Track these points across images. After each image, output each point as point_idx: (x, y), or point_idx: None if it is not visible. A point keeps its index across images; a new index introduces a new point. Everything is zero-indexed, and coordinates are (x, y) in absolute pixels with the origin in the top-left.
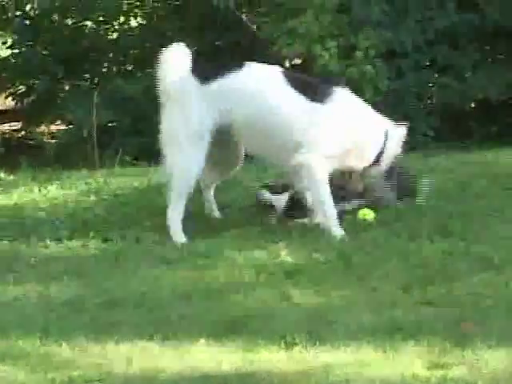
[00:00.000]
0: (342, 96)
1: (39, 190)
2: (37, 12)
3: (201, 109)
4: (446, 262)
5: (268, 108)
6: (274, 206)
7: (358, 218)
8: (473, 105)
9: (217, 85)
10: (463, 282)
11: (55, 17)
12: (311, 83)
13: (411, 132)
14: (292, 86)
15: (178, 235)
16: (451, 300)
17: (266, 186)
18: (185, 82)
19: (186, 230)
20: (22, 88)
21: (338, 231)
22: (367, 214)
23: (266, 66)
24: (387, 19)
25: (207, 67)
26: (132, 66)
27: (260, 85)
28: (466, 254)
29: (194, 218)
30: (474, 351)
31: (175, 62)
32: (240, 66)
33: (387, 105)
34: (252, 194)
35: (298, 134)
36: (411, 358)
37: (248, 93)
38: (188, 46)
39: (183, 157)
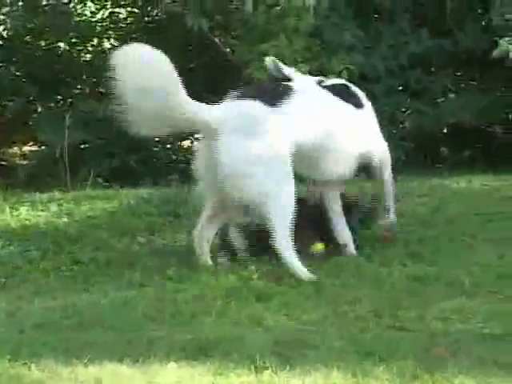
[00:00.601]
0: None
1: (10, 212)
2: (10, 33)
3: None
4: (417, 286)
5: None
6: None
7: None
8: (445, 130)
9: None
10: (434, 306)
11: (28, 38)
12: (344, 91)
13: None
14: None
15: (304, 271)
16: (422, 325)
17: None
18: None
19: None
20: None
21: None
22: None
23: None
24: (360, 44)
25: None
26: (105, 87)
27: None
28: (437, 279)
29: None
30: (444, 377)
31: None
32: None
33: None
34: None
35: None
36: (382, 383)
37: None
38: None
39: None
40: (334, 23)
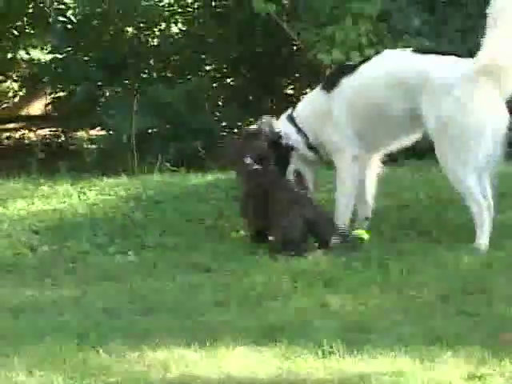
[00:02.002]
0: None
1: (78, 196)
2: (78, 18)
3: None
4: (484, 271)
5: None
6: None
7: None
8: None
9: None
10: (502, 292)
11: (96, 23)
12: None
13: None
14: None
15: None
16: (490, 310)
17: None
18: None
19: None
20: (63, 93)
21: None
22: (362, 234)
23: None
24: (427, 28)
25: None
26: (172, 72)
27: None
28: (505, 263)
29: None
30: None
31: None
32: None
33: None
34: None
35: None
36: (449, 369)
37: None
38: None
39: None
40: (401, 7)
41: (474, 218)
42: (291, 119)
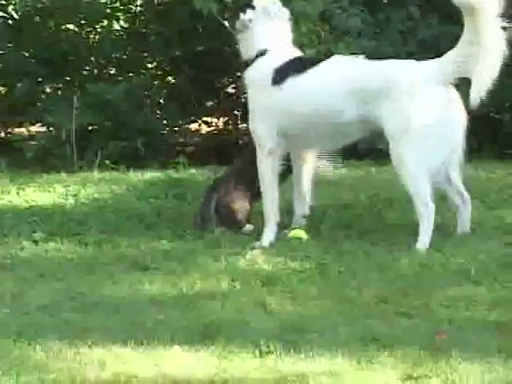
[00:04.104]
0: None
1: (17, 193)
2: (19, 13)
3: None
4: (423, 273)
5: None
6: None
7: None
8: None
9: None
10: (439, 294)
11: (37, 19)
12: None
13: None
14: None
15: None
16: (427, 312)
17: None
18: None
19: None
20: (2, 88)
21: None
22: (298, 234)
23: None
24: (368, 29)
25: None
26: (114, 69)
27: None
28: (443, 266)
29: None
30: (448, 363)
31: None
32: None
33: None
34: None
35: None
36: (385, 369)
37: None
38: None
39: None
40: (343, 8)
41: (420, 220)
42: None
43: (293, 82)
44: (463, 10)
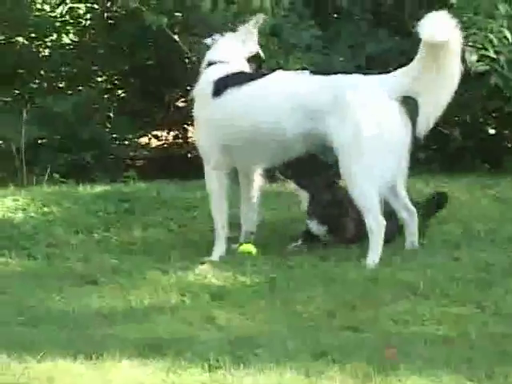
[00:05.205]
0: None
1: None
2: None
3: None
4: (371, 287)
5: None
6: None
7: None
8: None
9: None
10: (388, 308)
11: None
12: None
13: None
14: None
15: None
16: (376, 326)
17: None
18: None
19: None
20: None
21: None
22: (248, 248)
23: None
24: (318, 43)
25: None
26: (63, 83)
27: None
28: (392, 280)
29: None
30: (397, 377)
31: None
32: None
33: None
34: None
35: None
36: (335, 383)
37: None
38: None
39: None
40: (292, 22)
41: (370, 235)
42: None
43: (232, 96)
44: (427, 46)
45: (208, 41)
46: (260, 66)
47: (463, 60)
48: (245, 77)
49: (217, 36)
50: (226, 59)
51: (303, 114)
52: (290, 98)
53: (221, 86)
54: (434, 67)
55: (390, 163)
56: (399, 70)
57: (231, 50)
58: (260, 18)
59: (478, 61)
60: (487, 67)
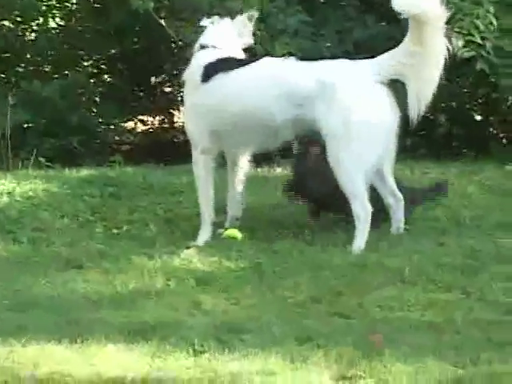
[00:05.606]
0: None
1: None
2: None
3: None
4: (357, 273)
5: None
6: None
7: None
8: None
9: None
10: (374, 294)
11: None
12: None
13: None
14: None
15: None
16: (361, 312)
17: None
18: None
19: None
20: None
21: None
22: (233, 233)
23: None
24: (305, 29)
25: None
26: (49, 67)
27: None
28: (378, 266)
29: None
30: (382, 363)
31: None
32: None
33: None
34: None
35: None
36: (319, 369)
37: None
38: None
39: None
40: (279, 7)
41: (357, 222)
42: None
43: (220, 81)
44: (410, 20)
45: (205, 22)
46: (254, 56)
47: (449, 46)
48: (233, 62)
49: (213, 19)
50: (218, 45)
51: (291, 100)
52: (277, 84)
53: (210, 71)
54: (418, 47)
55: (377, 149)
56: (385, 54)
57: (225, 36)
58: (253, 14)
59: (463, 46)
60: (473, 53)
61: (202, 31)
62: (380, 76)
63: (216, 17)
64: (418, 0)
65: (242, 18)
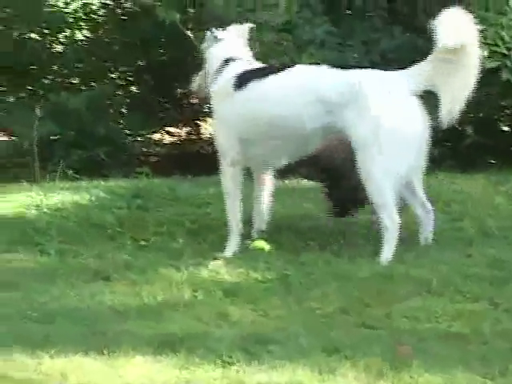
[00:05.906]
0: None
1: None
2: None
3: None
4: (385, 284)
5: None
6: None
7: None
8: None
9: None
10: (401, 305)
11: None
12: None
13: None
14: None
15: None
16: (389, 323)
17: None
18: None
19: None
20: None
21: None
22: (260, 245)
23: None
24: (332, 39)
25: None
26: (76, 79)
27: None
28: (405, 277)
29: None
30: (410, 375)
31: None
32: None
33: None
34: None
35: None
36: (347, 380)
37: None
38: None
39: None
40: (306, 18)
41: (385, 233)
42: None
43: (254, 89)
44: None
45: (218, 34)
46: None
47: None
48: (266, 70)
49: (227, 29)
50: (242, 55)
51: (322, 107)
52: (309, 90)
53: (243, 80)
54: (451, 62)
55: (407, 159)
56: (417, 65)
57: (242, 46)
58: (251, 27)
59: (488, 57)
60: (498, 63)
61: (216, 40)
62: (411, 86)
63: (220, 28)
64: (462, 33)
65: (244, 27)
